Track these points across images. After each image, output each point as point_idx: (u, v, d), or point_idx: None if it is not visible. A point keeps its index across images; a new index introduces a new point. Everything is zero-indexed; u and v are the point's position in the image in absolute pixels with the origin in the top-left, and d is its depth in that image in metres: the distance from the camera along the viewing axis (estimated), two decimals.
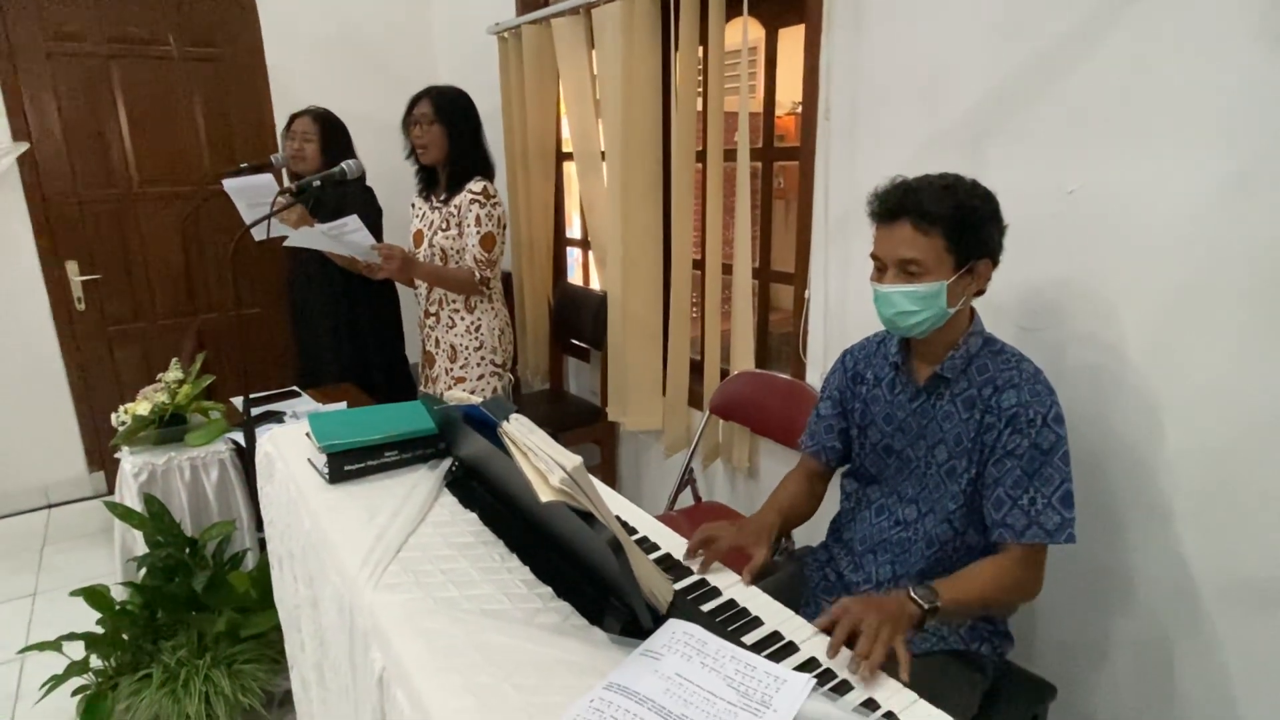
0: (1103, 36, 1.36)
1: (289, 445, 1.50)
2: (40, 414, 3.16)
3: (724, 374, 2.32)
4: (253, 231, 2.15)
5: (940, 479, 1.33)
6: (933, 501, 1.34)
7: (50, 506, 3.25)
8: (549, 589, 1.00)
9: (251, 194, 2.53)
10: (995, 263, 1.28)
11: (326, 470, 1.32)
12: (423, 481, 1.31)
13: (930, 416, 1.34)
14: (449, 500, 1.27)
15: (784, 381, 2.10)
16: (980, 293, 1.29)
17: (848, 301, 1.94)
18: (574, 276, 3.35)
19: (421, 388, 2.59)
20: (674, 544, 1.25)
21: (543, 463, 0.84)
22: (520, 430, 0.89)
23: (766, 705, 0.78)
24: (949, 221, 1.20)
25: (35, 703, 1.96)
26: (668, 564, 1.20)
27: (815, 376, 2.06)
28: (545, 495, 0.81)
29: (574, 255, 3.33)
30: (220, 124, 3.34)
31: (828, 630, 1.00)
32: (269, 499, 1.53)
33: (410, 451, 1.38)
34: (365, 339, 2.75)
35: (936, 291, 1.23)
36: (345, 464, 1.32)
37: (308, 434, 1.39)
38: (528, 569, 1.05)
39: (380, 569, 1.05)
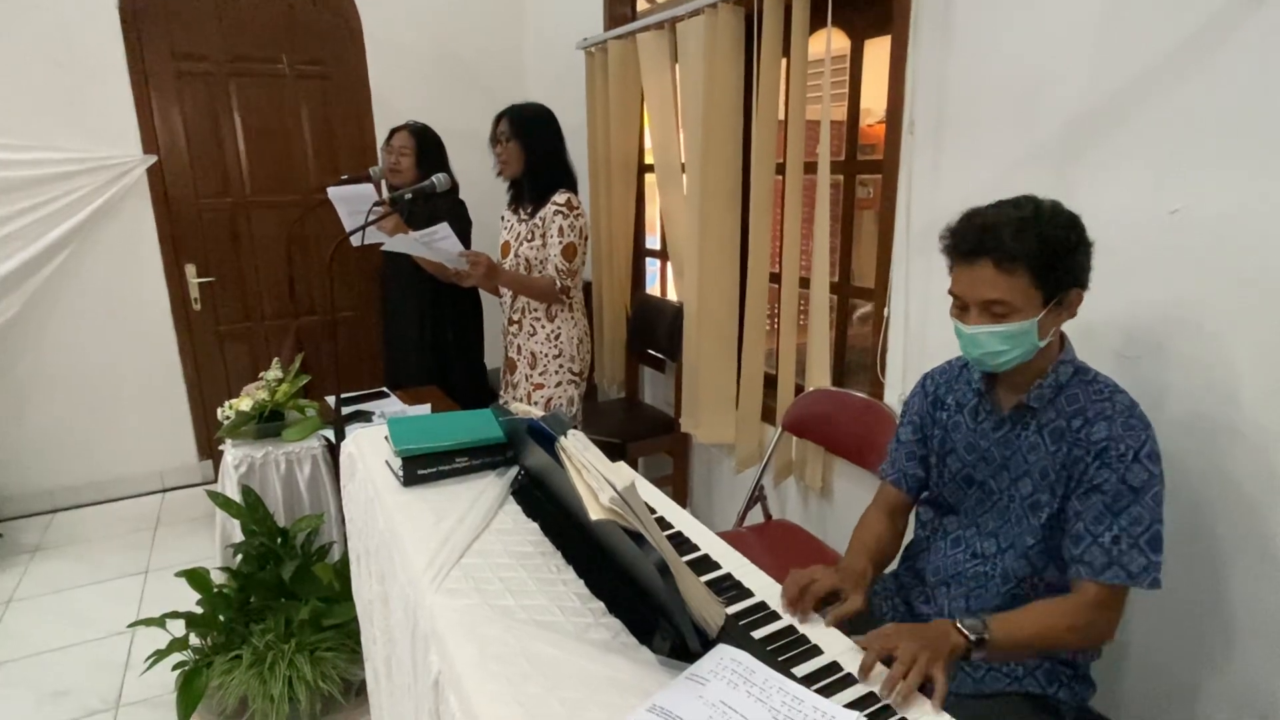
0: (1219, 45, 1.26)
1: (369, 446, 1.57)
2: (158, 405, 3.43)
3: (799, 389, 2.28)
4: (351, 238, 2.28)
5: (1022, 513, 1.27)
6: (1013, 536, 1.28)
7: (164, 491, 3.52)
8: (601, 604, 1.01)
9: (352, 202, 2.68)
10: (1085, 287, 1.21)
11: (401, 473, 1.38)
12: (490, 488, 1.34)
13: (1015, 448, 1.27)
14: (513, 508, 1.30)
15: (860, 400, 2.05)
16: (1071, 317, 1.23)
17: (929, 320, 1.87)
18: (653, 287, 3.37)
19: (502, 393, 2.66)
20: (736, 564, 1.24)
21: (595, 480, 0.85)
22: (576, 447, 0.91)
23: None
24: (1034, 257, 1.13)
25: (140, 674, 2.12)
26: (727, 584, 1.19)
27: (893, 397, 2.00)
28: (595, 513, 0.82)
29: (653, 266, 3.35)
30: (325, 137, 3.55)
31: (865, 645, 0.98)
32: (350, 497, 1.61)
33: (480, 459, 1.42)
34: (447, 343, 2.86)
35: (1027, 330, 1.16)
36: (419, 468, 1.38)
37: (386, 437, 1.45)
38: (582, 583, 1.07)
39: (443, 573, 1.08)
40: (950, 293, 1.23)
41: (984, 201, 1.22)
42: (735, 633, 1.00)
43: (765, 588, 1.16)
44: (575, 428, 0.97)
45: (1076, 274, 1.18)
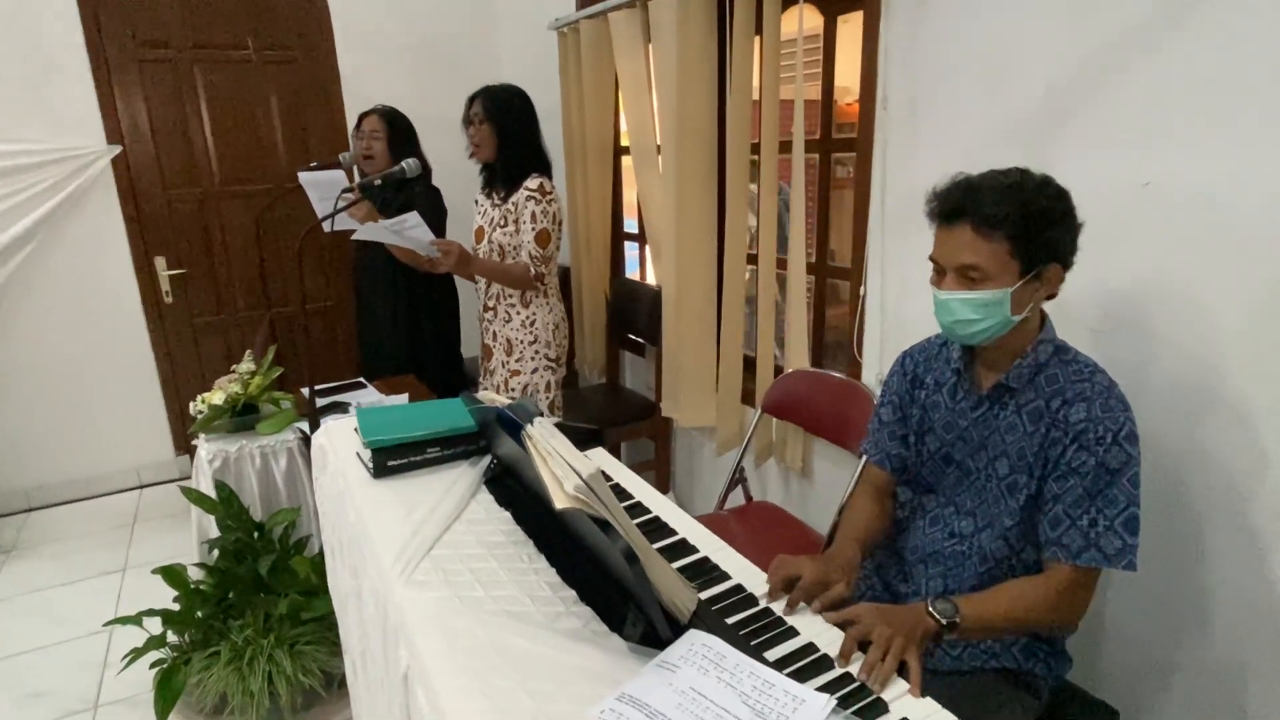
0: (1189, 13, 1.25)
1: (340, 438, 1.55)
2: (133, 401, 3.38)
3: (778, 371, 2.27)
4: (323, 225, 2.23)
5: (1000, 493, 1.26)
6: (991, 516, 1.28)
7: (141, 487, 3.47)
8: (573, 593, 1.00)
9: (323, 188, 2.63)
10: (1067, 265, 1.18)
11: (371, 465, 1.36)
12: (462, 478, 1.33)
13: (993, 427, 1.26)
14: (485, 498, 1.29)
15: (838, 381, 2.04)
16: (1051, 296, 1.21)
17: (906, 299, 1.86)
18: (633, 271, 3.35)
19: (480, 380, 2.63)
20: (714, 548, 1.24)
21: (560, 468, 0.83)
22: (541, 434, 0.89)
23: None
24: (1013, 224, 1.11)
25: (118, 673, 2.09)
26: (705, 568, 1.18)
27: (871, 376, 2.00)
28: (560, 502, 0.80)
29: (634, 250, 3.33)
30: (295, 124, 3.48)
31: (842, 627, 0.99)
32: (322, 490, 1.59)
33: (452, 448, 1.40)
34: (423, 331, 2.82)
35: (999, 299, 1.15)
36: (389, 459, 1.35)
37: (356, 429, 1.43)
38: (554, 571, 1.05)
39: (412, 566, 1.07)
40: (930, 258, 1.22)
41: None
42: (708, 617, 0.99)
43: (743, 570, 1.16)
44: (541, 414, 0.95)
45: (1057, 248, 1.15)
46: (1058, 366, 1.21)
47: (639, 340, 3.08)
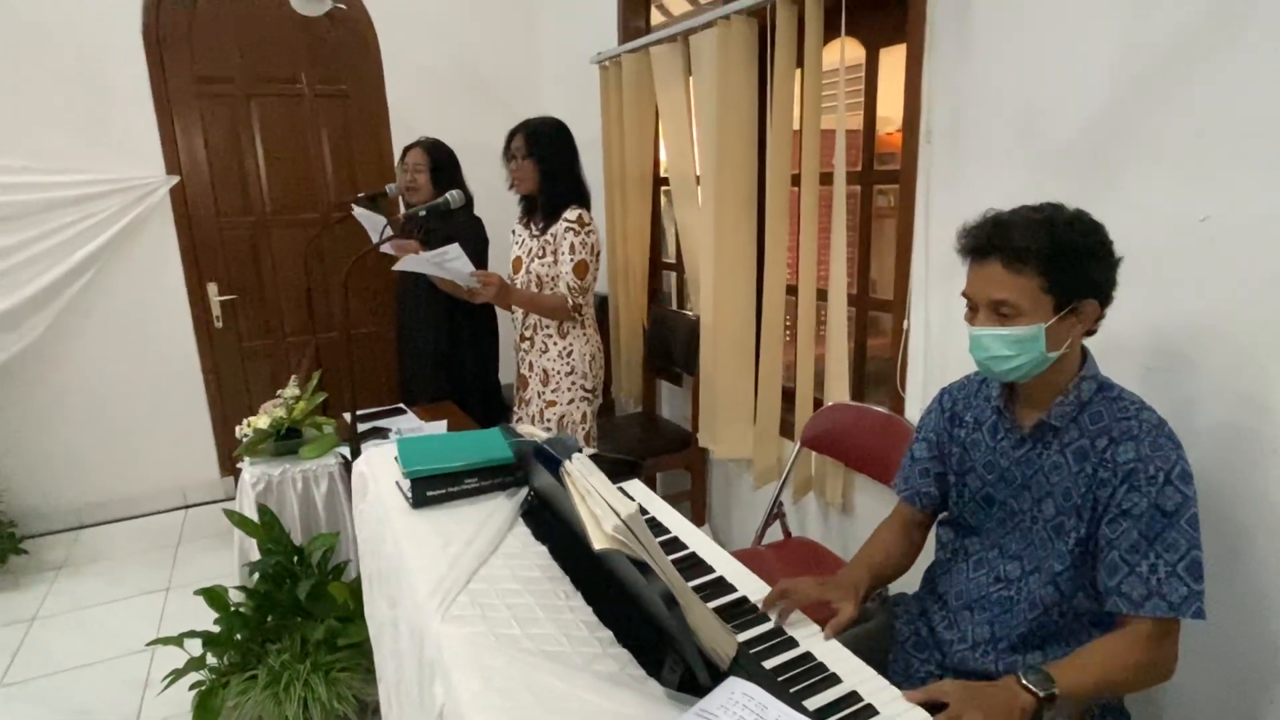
0: (1245, 46, 1.22)
1: (381, 466, 1.56)
2: (181, 422, 3.47)
3: (817, 404, 2.24)
4: (378, 250, 2.31)
5: (1047, 536, 1.22)
6: (1038, 560, 1.23)
7: (187, 507, 3.55)
8: (609, 633, 0.98)
9: (371, 220, 2.73)
10: (1105, 301, 1.16)
11: (410, 494, 1.36)
12: (499, 510, 1.32)
13: (1036, 467, 1.22)
14: (522, 530, 1.28)
15: (880, 415, 2.00)
16: (1090, 333, 1.18)
17: (950, 333, 1.83)
18: (674, 302, 3.35)
19: (515, 409, 2.65)
20: (753, 587, 1.22)
21: (599, 507, 0.82)
22: (580, 471, 0.88)
23: None
24: (1044, 259, 1.10)
25: (159, 693, 2.12)
26: (743, 609, 1.16)
27: (915, 411, 1.95)
28: (599, 543, 0.79)
29: (672, 280, 3.33)
30: (344, 155, 3.58)
31: (920, 703, 0.94)
32: (362, 517, 1.60)
33: (490, 479, 1.40)
34: (463, 360, 2.85)
35: (1033, 335, 1.12)
36: (428, 489, 1.36)
37: (395, 458, 1.44)
38: (590, 610, 1.04)
39: (450, 599, 1.06)
40: (962, 294, 1.20)
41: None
42: (747, 663, 0.96)
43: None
44: (580, 449, 0.95)
45: (1092, 283, 1.13)
46: (1102, 404, 1.17)
47: (676, 370, 3.06)
